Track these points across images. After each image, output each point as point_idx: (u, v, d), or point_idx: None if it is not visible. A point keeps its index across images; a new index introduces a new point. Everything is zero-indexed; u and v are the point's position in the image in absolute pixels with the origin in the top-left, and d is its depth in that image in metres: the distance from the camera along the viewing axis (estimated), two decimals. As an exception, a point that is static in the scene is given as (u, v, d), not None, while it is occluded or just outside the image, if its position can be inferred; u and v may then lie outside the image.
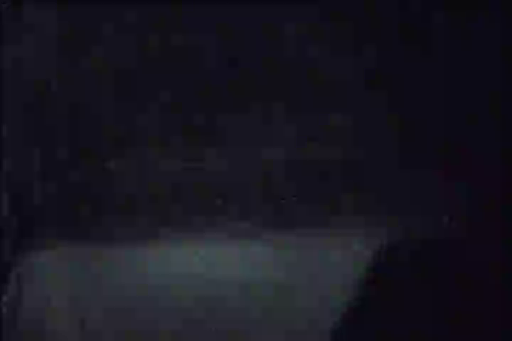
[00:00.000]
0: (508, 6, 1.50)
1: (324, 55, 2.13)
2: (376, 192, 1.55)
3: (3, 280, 1.29)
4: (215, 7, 2.08)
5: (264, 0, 2.08)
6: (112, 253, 1.30)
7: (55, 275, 1.29)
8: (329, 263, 1.31)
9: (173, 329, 1.29)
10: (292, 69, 2.14)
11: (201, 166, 1.84)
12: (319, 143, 1.93)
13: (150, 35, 2.09)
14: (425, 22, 2.03)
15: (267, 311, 1.30)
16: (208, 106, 2.09)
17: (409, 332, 1.29)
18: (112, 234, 1.34)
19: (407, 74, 2.07)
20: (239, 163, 1.88)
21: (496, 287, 1.26)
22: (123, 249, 1.31)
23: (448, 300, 1.29)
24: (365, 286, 1.29)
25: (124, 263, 1.29)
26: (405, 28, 2.02)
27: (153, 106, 2.05)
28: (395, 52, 2.07)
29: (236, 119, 2.05)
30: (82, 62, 2.05)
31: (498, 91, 1.67)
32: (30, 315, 1.28)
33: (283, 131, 2.01)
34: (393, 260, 1.30)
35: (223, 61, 2.14)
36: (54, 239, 1.33)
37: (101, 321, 1.29)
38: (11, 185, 1.67)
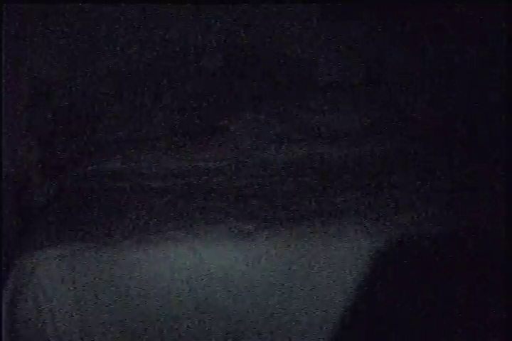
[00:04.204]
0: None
1: (324, 55, 2.14)
2: (376, 191, 1.55)
3: (3, 280, 1.29)
4: (215, 7, 2.08)
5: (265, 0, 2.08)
6: (111, 252, 1.30)
7: (55, 275, 1.29)
8: (329, 262, 1.31)
9: (174, 328, 1.29)
10: (292, 69, 2.14)
11: (201, 166, 1.84)
12: (319, 143, 1.93)
13: (151, 36, 2.10)
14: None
15: (267, 310, 1.30)
16: (208, 107, 2.09)
17: (410, 330, 1.30)
18: (112, 234, 1.34)
19: (407, 74, 2.07)
20: (239, 163, 1.88)
21: (496, 282, 1.26)
22: (123, 249, 1.30)
23: (449, 298, 1.29)
24: (365, 285, 1.29)
25: (124, 263, 1.29)
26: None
27: (153, 106, 2.05)
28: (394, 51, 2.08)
29: (236, 120, 2.05)
30: (83, 63, 2.05)
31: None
32: (30, 315, 1.28)
33: (283, 132, 2.01)
34: (393, 258, 1.31)
35: (223, 62, 2.14)
36: (54, 239, 1.33)
37: (101, 320, 1.29)
38: (11, 184, 1.67)
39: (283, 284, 1.30)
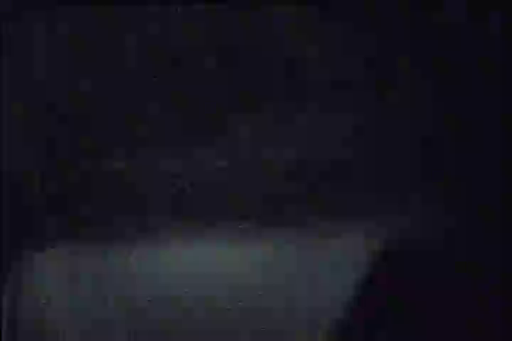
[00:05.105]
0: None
1: (325, 55, 2.14)
2: (376, 192, 1.55)
3: (3, 280, 1.29)
4: (217, 6, 2.08)
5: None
6: (111, 253, 1.31)
7: (55, 275, 1.29)
8: (329, 262, 1.31)
9: (173, 329, 1.30)
10: (291, 68, 2.14)
11: (201, 166, 1.84)
12: (319, 143, 1.94)
13: (149, 35, 2.10)
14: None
15: (267, 310, 1.30)
16: (207, 107, 2.09)
17: (409, 333, 1.30)
18: (112, 234, 1.34)
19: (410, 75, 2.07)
20: (239, 163, 1.89)
21: (496, 288, 1.26)
22: (123, 249, 1.31)
23: (449, 301, 1.29)
24: (366, 285, 1.30)
25: (123, 263, 1.30)
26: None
27: (153, 105, 2.05)
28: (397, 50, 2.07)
29: (236, 119, 2.05)
30: (82, 62, 2.05)
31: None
32: (30, 315, 1.28)
33: (283, 131, 2.02)
34: (393, 260, 1.31)
35: (223, 61, 2.14)
36: (54, 239, 1.34)
37: (102, 320, 1.29)
38: (10, 184, 1.67)
39: (283, 284, 1.31)
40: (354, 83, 2.05)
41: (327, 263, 1.31)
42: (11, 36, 1.65)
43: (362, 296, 1.29)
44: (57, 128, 1.92)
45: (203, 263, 1.31)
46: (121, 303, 1.29)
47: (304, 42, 2.05)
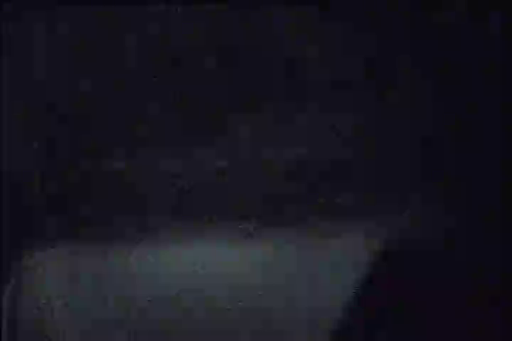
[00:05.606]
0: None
1: (325, 55, 2.14)
2: (376, 192, 1.55)
3: (3, 280, 1.29)
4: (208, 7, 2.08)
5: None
6: (111, 253, 1.30)
7: (55, 275, 1.29)
8: (330, 262, 1.31)
9: (173, 329, 1.30)
10: (291, 68, 2.14)
11: (201, 166, 1.84)
12: (319, 143, 1.94)
13: (149, 35, 2.10)
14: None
15: (266, 311, 1.30)
16: (207, 107, 2.09)
17: (409, 333, 1.29)
18: (112, 234, 1.34)
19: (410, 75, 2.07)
20: (239, 163, 1.89)
21: (496, 288, 1.26)
22: (123, 249, 1.31)
23: (449, 301, 1.29)
24: (366, 286, 1.30)
25: (123, 263, 1.29)
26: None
27: (153, 105, 2.05)
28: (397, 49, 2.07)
29: (236, 119, 2.05)
30: (81, 62, 2.05)
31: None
32: (30, 315, 1.28)
33: (283, 131, 2.02)
34: (393, 260, 1.31)
35: (223, 61, 2.14)
36: (54, 239, 1.34)
37: (102, 320, 1.29)
38: (10, 184, 1.67)
39: (283, 284, 1.31)
40: (354, 83, 2.05)
41: (327, 263, 1.31)
42: (11, 36, 1.65)
43: (362, 296, 1.28)
44: (57, 128, 1.92)
45: (203, 263, 1.31)
46: (121, 303, 1.29)
47: (303, 42, 2.05)
